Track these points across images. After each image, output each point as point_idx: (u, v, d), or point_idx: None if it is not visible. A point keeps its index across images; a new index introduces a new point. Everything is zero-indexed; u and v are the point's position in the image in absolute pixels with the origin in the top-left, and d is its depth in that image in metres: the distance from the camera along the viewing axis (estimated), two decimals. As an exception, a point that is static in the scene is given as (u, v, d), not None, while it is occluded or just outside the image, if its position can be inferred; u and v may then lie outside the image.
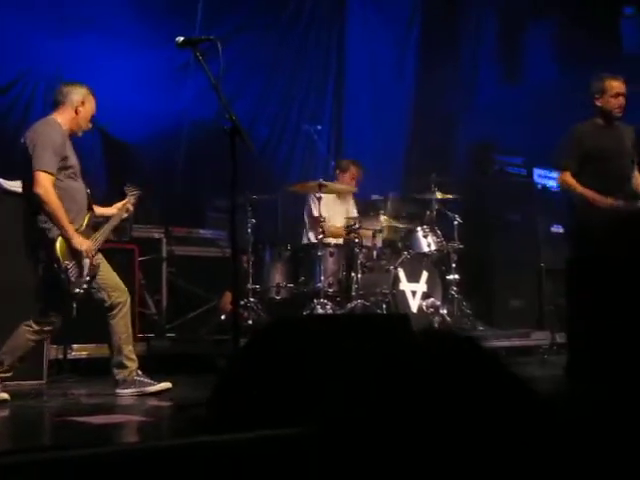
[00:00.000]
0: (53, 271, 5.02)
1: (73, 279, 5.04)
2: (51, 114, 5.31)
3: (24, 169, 5.09)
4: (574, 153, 5.75)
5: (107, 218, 5.57)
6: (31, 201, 5.06)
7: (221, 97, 4.34)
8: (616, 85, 5.77)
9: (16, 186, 5.65)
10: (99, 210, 5.55)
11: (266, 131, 9.65)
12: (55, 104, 5.33)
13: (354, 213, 8.22)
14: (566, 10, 10.41)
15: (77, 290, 5.07)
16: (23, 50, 7.83)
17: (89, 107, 5.34)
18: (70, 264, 5.04)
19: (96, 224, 5.44)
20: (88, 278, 5.11)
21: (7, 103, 7.85)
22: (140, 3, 8.56)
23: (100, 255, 5.32)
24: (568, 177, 5.72)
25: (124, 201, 5.71)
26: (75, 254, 5.04)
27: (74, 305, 5.17)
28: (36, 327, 5.13)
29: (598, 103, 5.79)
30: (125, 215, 5.74)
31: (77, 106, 5.30)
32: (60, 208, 5.01)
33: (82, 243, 5.06)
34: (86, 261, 5.08)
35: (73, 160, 5.24)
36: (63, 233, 5.02)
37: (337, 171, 8.28)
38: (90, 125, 5.43)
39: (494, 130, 9.68)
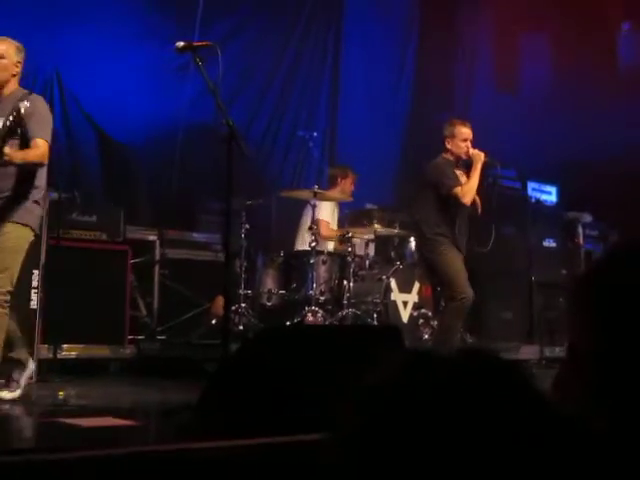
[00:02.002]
0: None
1: None
2: None
3: None
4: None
5: None
6: None
7: (219, 102, 4.34)
8: (465, 131, 6.35)
9: None
10: None
11: (260, 136, 9.64)
12: None
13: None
14: (562, 22, 10.46)
15: None
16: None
17: None
18: None
19: None
20: None
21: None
22: (139, 3, 8.58)
23: None
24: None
25: None
26: None
27: None
28: None
29: (448, 146, 6.36)
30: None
31: None
32: None
33: None
34: None
35: None
36: None
37: (338, 179, 8.18)
38: None
39: (488, 142, 9.68)
